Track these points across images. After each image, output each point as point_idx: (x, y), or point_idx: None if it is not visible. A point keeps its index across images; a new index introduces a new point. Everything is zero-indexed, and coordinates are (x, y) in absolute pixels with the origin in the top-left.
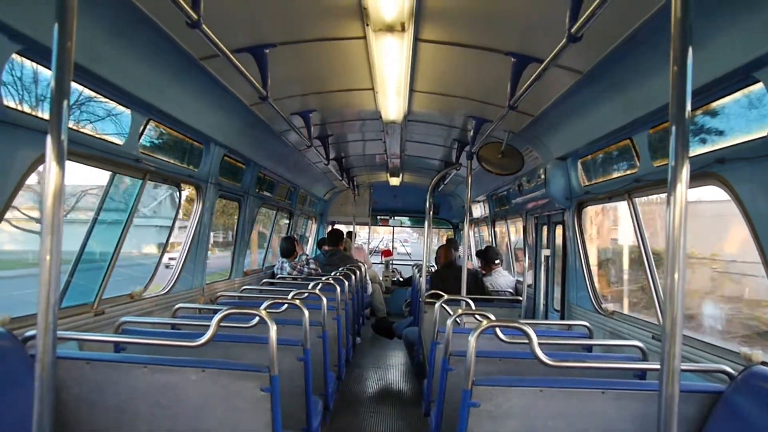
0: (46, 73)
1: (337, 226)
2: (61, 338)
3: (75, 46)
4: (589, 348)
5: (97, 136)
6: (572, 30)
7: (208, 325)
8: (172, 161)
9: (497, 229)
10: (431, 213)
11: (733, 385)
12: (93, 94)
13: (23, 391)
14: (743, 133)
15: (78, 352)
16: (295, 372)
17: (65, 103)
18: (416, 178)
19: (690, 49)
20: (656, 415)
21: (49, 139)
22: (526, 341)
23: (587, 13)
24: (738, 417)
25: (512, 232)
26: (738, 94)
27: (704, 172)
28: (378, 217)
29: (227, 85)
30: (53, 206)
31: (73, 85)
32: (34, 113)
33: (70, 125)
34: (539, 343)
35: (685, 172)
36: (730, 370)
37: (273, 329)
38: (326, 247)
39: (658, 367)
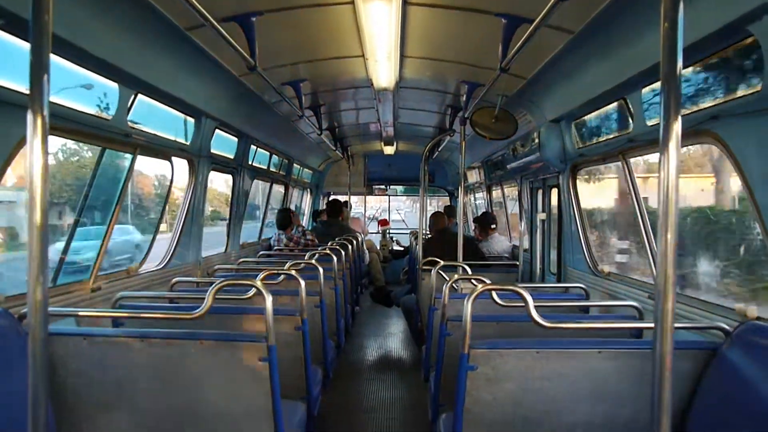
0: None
1: (333, 197)
2: (56, 314)
3: (54, 18)
4: (585, 309)
5: (84, 111)
6: None
7: (205, 298)
8: (162, 135)
9: (493, 195)
10: (426, 181)
11: (729, 341)
12: (79, 68)
13: (21, 369)
14: (737, 89)
15: (75, 328)
16: (294, 342)
17: (45, 77)
18: (410, 146)
19: (681, 5)
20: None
21: (29, 115)
22: (523, 304)
23: None
24: (733, 372)
25: (508, 197)
26: (731, 49)
27: (698, 129)
28: (374, 186)
29: (216, 56)
30: (39, 183)
31: (57, 59)
32: (19, 89)
33: (55, 100)
34: (535, 306)
35: (677, 130)
36: (725, 326)
37: (269, 300)
38: (323, 218)
39: (653, 325)
